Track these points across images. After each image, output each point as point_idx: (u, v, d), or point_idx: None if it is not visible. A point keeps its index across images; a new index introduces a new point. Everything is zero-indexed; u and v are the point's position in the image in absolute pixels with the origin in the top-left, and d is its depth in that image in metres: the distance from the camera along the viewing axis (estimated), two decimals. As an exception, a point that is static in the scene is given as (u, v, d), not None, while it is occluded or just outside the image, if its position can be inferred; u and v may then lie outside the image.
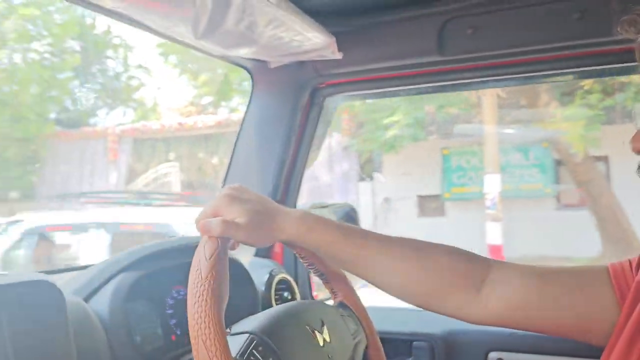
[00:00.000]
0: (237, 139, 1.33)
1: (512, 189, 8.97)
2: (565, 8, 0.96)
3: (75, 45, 14.21)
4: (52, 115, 14.32)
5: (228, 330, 0.65)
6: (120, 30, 12.50)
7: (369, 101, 6.80)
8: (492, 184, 6.38)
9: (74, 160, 13.57)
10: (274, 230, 0.65)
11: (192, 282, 0.59)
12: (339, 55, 1.11)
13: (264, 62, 1.17)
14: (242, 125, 1.32)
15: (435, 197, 9.75)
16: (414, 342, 1.16)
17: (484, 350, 1.14)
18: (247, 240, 0.64)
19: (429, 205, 9.95)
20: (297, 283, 1.23)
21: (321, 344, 0.75)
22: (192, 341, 0.56)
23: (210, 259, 0.60)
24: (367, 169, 10.66)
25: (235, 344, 0.65)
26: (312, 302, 0.90)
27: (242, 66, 1.28)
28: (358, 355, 0.84)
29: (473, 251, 0.73)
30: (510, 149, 8.84)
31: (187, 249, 0.68)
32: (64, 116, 15.71)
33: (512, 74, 1.14)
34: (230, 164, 1.35)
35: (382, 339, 0.98)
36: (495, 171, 6.47)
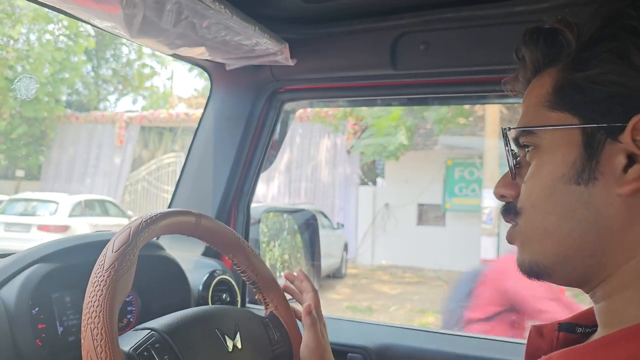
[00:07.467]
0: (194, 138, 1.32)
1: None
2: (520, 30, 0.94)
3: (90, 29, 14.26)
4: (63, 97, 14.36)
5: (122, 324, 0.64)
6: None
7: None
8: (490, 199, 6.32)
9: (81, 143, 13.60)
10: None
11: (94, 271, 0.60)
12: (291, 62, 1.11)
13: (222, 63, 1.16)
14: (199, 124, 1.32)
15: (436, 206, 9.69)
16: (349, 354, 1.16)
17: None
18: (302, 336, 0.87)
19: (428, 214, 9.89)
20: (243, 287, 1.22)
21: (230, 349, 0.75)
22: (82, 328, 0.57)
23: (116, 251, 0.61)
24: (370, 174, 10.61)
25: (134, 338, 0.66)
26: (232, 308, 0.91)
27: (200, 66, 1.28)
28: None
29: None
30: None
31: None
32: (75, 99, 15.78)
33: (464, 92, 1.13)
34: (186, 161, 1.33)
35: None
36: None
